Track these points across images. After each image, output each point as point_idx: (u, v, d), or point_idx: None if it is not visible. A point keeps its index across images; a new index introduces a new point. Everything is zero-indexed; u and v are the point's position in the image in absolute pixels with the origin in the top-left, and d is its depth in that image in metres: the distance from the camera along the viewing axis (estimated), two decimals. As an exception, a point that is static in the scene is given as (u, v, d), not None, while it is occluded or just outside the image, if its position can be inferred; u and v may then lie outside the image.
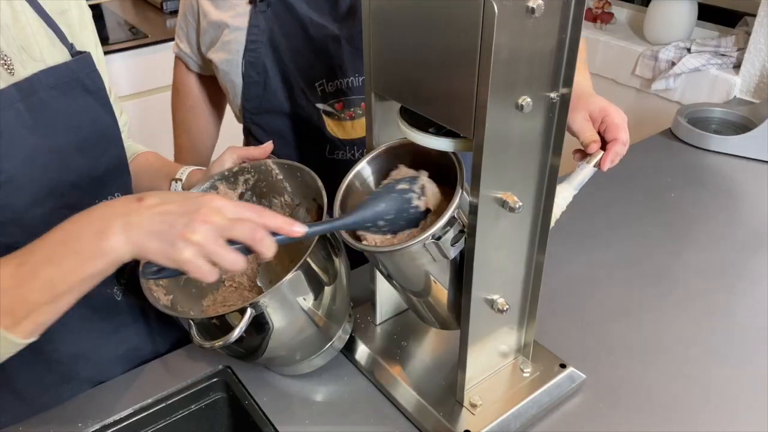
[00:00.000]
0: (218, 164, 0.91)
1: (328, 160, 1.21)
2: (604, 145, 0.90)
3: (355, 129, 1.18)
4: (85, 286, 0.64)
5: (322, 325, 0.84)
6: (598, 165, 0.88)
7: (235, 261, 0.63)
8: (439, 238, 0.70)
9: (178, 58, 1.31)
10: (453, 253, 0.72)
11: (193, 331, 0.78)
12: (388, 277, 0.83)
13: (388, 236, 0.77)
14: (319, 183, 0.83)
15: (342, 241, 0.84)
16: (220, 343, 0.73)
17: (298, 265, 0.74)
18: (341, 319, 0.89)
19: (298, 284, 0.77)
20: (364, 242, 0.76)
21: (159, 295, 0.84)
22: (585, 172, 0.88)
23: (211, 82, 1.30)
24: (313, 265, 0.77)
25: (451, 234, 0.71)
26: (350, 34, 1.11)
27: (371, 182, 0.82)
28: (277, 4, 1.11)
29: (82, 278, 0.63)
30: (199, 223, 0.61)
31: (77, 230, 0.63)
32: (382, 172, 0.82)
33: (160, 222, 0.61)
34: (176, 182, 0.97)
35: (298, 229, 0.66)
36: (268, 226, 0.64)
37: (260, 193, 0.92)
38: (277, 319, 0.77)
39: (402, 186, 0.76)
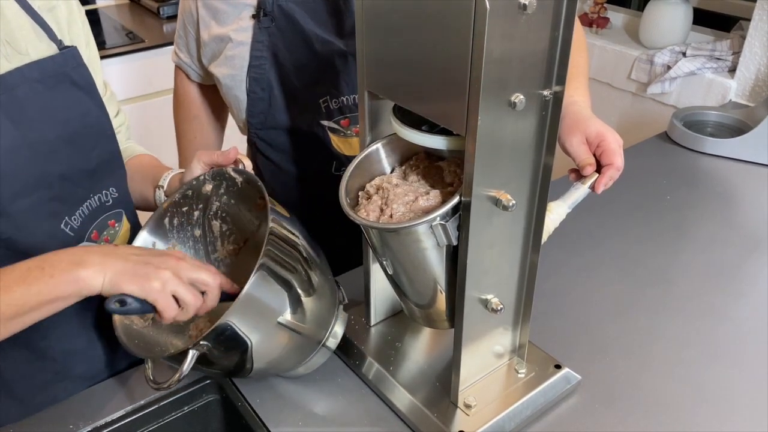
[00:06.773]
0: (189, 173, 0.91)
1: (334, 177, 1.19)
2: (598, 168, 0.92)
3: None
4: (49, 309, 0.68)
5: (303, 332, 0.82)
6: (592, 187, 0.90)
7: (194, 300, 0.71)
8: (446, 221, 0.70)
9: (179, 68, 1.29)
10: (457, 239, 0.72)
11: (148, 371, 0.79)
12: (384, 260, 0.81)
13: (386, 217, 0.76)
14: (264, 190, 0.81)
15: (311, 248, 0.83)
16: (168, 383, 0.75)
17: (239, 296, 0.72)
18: (327, 321, 0.87)
19: (255, 303, 0.74)
20: (366, 218, 0.76)
21: (134, 318, 0.83)
22: (579, 192, 0.90)
23: (212, 91, 1.28)
24: (267, 279, 0.75)
25: (458, 220, 0.71)
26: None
27: (385, 166, 0.83)
28: (281, 20, 1.09)
29: (49, 299, 0.67)
30: (170, 260, 0.71)
31: (57, 260, 0.68)
32: (395, 157, 0.83)
33: (136, 258, 0.70)
34: (159, 189, 0.96)
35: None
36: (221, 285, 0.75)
37: (227, 202, 0.92)
38: (251, 337, 0.75)
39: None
